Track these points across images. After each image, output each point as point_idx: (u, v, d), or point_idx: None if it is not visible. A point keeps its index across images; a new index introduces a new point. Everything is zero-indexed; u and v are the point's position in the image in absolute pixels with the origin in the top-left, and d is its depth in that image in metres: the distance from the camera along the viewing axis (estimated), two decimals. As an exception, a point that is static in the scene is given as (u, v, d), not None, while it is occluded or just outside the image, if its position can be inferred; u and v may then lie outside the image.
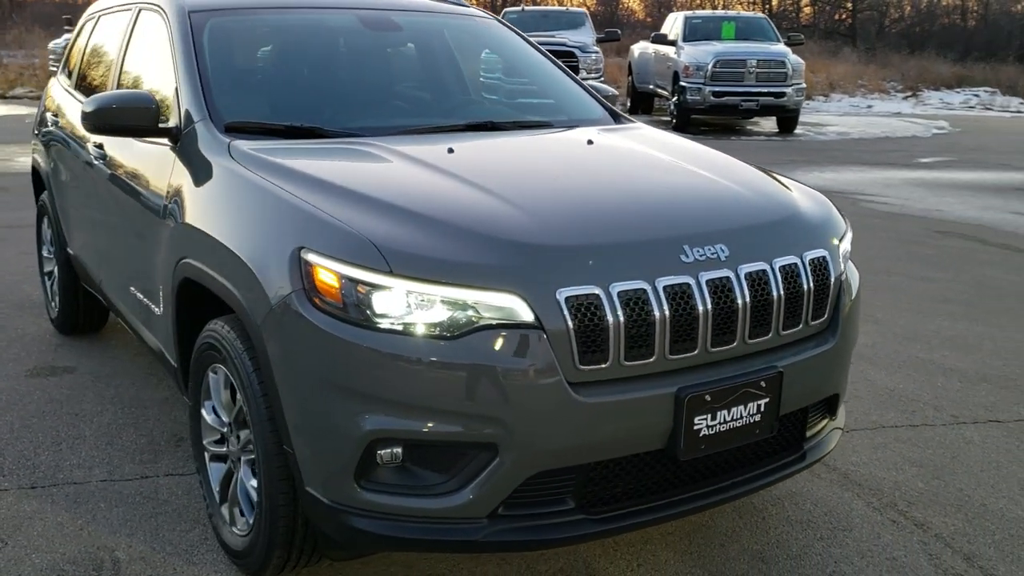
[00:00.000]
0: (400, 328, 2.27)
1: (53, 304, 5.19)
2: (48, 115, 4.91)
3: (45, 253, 5.33)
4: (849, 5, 46.64)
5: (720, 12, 25.13)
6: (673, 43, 17.62)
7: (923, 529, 3.24)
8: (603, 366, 2.32)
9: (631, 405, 2.35)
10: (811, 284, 2.67)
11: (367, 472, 2.36)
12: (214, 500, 3.04)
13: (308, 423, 2.41)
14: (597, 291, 2.31)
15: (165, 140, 3.29)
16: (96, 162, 3.89)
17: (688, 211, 2.74)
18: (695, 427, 2.43)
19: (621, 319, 2.31)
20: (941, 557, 3.07)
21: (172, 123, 3.26)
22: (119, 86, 4.01)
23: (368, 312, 2.28)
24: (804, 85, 16.98)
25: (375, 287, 2.28)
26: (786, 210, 2.84)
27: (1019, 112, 24.58)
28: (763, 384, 2.54)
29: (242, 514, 2.90)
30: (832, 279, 2.76)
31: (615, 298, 2.31)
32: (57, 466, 3.61)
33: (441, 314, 2.26)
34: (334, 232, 2.40)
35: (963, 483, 3.59)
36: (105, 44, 4.51)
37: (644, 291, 2.35)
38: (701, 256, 2.47)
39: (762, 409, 2.56)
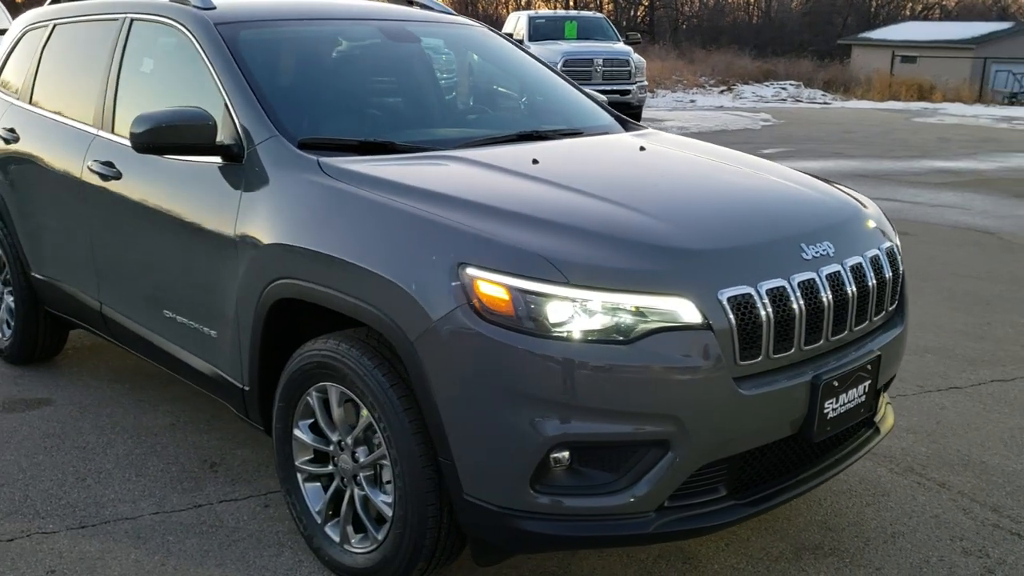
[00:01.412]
0: (577, 335, 2.36)
1: (0, 334, 4.85)
2: (2, 135, 4.57)
3: (-21, 281, 4.97)
4: (646, 2, 48.86)
5: (562, 12, 25.72)
6: (520, 43, 17.96)
7: (946, 488, 3.61)
8: (757, 360, 2.49)
9: (780, 395, 2.55)
10: (890, 273, 2.95)
11: (542, 476, 2.44)
12: (313, 521, 3.01)
13: (480, 433, 2.45)
14: (750, 290, 2.48)
15: (214, 158, 3.20)
16: (103, 183, 3.70)
17: (792, 212, 2.96)
18: (824, 411, 2.65)
19: (771, 315, 2.50)
20: (972, 511, 3.44)
21: (227, 140, 3.17)
22: (116, 102, 3.82)
23: (544, 321, 2.36)
24: (646, 82, 17.77)
25: (550, 297, 2.36)
26: (856, 208, 3.11)
27: (826, 103, 26.62)
28: (868, 367, 2.80)
29: (357, 531, 2.90)
30: (901, 268, 3.06)
31: (764, 296, 2.50)
32: (96, 503, 3.43)
33: (615, 320, 2.37)
34: (498, 247, 2.45)
35: (957, 444, 4.00)
36: (77, 57, 4.27)
37: (784, 288, 2.55)
38: (817, 253, 2.69)
39: (866, 390, 2.82)
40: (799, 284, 2.58)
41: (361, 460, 2.82)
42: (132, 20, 3.90)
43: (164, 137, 3.10)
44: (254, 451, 3.86)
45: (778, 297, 2.53)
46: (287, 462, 3.06)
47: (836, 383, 2.66)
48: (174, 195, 3.38)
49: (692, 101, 26.32)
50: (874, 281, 2.85)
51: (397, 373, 2.65)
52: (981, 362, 5.06)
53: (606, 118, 4.08)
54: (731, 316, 2.43)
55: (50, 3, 4.74)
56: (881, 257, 2.93)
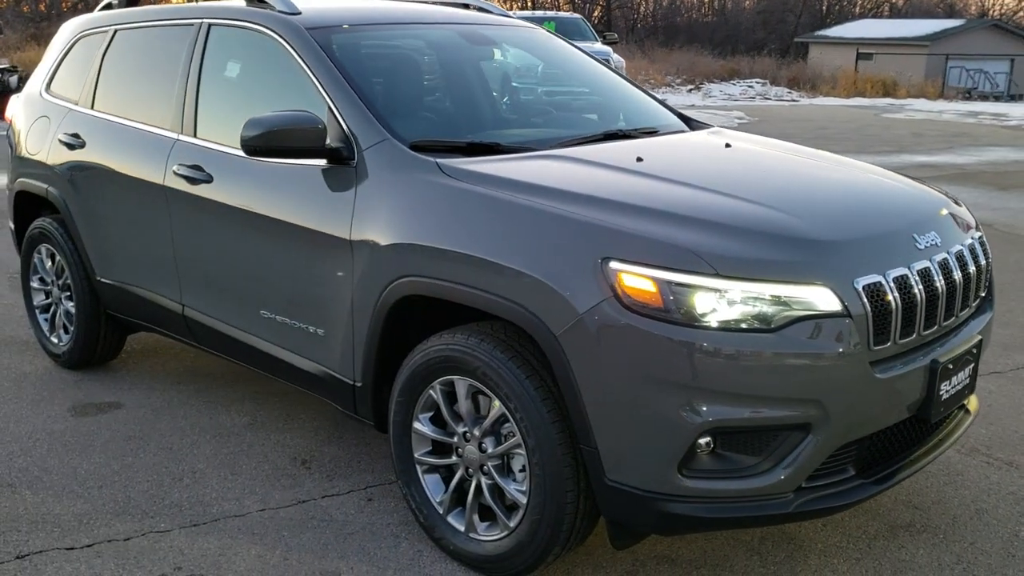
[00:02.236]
0: (725, 325, 2.48)
1: (56, 339, 4.85)
2: (55, 137, 4.57)
3: (36, 284, 4.97)
4: (603, 2, 49.24)
5: (540, 12, 25.85)
6: (500, 43, 18.07)
7: (1015, 468, 3.78)
8: (887, 345, 2.63)
9: (906, 378, 2.68)
10: (984, 260, 3.11)
11: (688, 460, 2.55)
12: (435, 511, 3.09)
13: (627, 420, 2.55)
14: (880, 278, 2.61)
15: (318, 161, 3.27)
16: (190, 187, 3.74)
17: (900, 204, 3.09)
18: (940, 393, 2.79)
19: (899, 302, 2.63)
20: (1045, 488, 3.62)
21: (335, 143, 3.24)
22: (197, 107, 3.86)
23: (692, 312, 2.47)
24: (626, 81, 17.96)
25: (699, 288, 2.47)
26: (947, 200, 3.26)
27: (795, 101, 27.07)
28: (973, 350, 2.95)
29: (483, 520, 2.99)
30: (990, 256, 3.22)
31: (891, 283, 2.63)
32: (200, 501, 3.48)
33: (760, 309, 2.49)
34: (644, 242, 2.55)
35: (1012, 426, 4.18)
36: (146, 62, 4.30)
37: (907, 276, 2.68)
38: (928, 242, 2.83)
39: (970, 372, 2.97)
40: (917, 272, 2.72)
41: (489, 450, 2.90)
42: (210, 25, 3.94)
43: (276, 140, 3.16)
44: (341, 448, 3.92)
45: (902, 284, 2.66)
46: (405, 455, 3.14)
47: (950, 366, 2.81)
48: (275, 197, 3.43)
49: (663, 100, 26.58)
50: (973, 268, 3.00)
51: (531, 365, 2.74)
52: (1014, 347, 5.27)
53: (672, 116, 4.20)
54: (866, 303, 2.56)
55: (102, 8, 4.76)
56: (976, 246, 3.08)
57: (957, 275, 2.88)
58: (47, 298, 4.92)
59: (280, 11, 3.69)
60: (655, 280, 2.49)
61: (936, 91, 32.23)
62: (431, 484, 3.12)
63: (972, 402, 3.34)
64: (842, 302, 2.53)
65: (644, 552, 3.13)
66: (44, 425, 4.15)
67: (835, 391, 2.54)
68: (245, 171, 3.56)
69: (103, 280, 4.46)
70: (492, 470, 2.92)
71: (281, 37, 3.58)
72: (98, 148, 4.34)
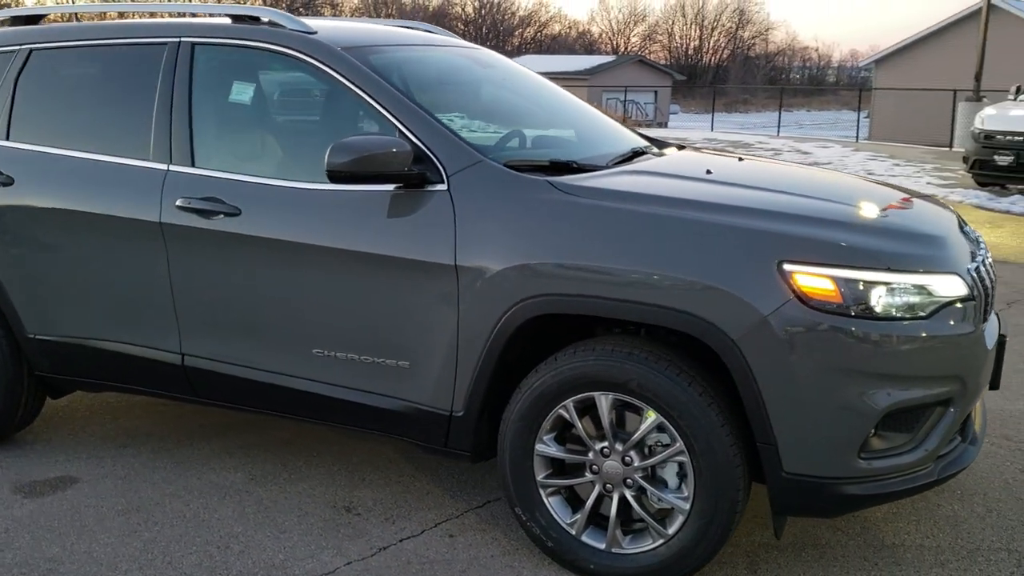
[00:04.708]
0: (894, 314, 2.73)
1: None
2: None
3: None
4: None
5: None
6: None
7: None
8: (982, 325, 3.02)
9: (992, 352, 3.09)
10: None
11: (865, 444, 2.77)
12: (566, 534, 3.06)
13: (809, 412, 2.72)
14: (974, 267, 3.01)
15: (386, 186, 3.13)
16: (205, 222, 3.38)
17: (928, 209, 3.48)
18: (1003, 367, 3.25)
19: (981, 286, 3.03)
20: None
21: (416, 167, 3.10)
22: (192, 134, 3.49)
23: (868, 305, 2.70)
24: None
25: (874, 283, 2.70)
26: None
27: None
28: (1003, 343, 3.41)
29: (626, 534, 3.01)
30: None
31: (974, 272, 3.02)
32: (273, 565, 3.15)
33: (917, 298, 2.77)
34: (819, 244, 2.74)
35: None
36: (93, 87, 3.81)
37: (978, 267, 3.09)
38: (971, 245, 3.26)
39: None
40: (974, 269, 3.12)
41: (636, 462, 2.94)
42: (193, 45, 3.59)
43: (368, 166, 3.00)
44: (373, 490, 3.71)
45: (978, 273, 3.06)
46: (526, 480, 3.07)
47: (1003, 346, 3.27)
48: (339, 227, 3.20)
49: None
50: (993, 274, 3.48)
51: (687, 373, 2.83)
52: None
53: (638, 138, 4.41)
54: (978, 287, 2.94)
55: (8, 24, 4.14)
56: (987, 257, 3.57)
57: (990, 276, 3.32)
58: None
59: (299, 31, 3.46)
60: (834, 278, 2.69)
61: (618, 118, 35.21)
62: (557, 506, 3.09)
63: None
64: (968, 287, 2.88)
65: (749, 542, 3.30)
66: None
67: (970, 366, 2.89)
68: (290, 201, 3.30)
69: (37, 337, 3.86)
70: (640, 481, 2.95)
71: (311, 58, 3.36)
72: (36, 186, 3.76)
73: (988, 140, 12.70)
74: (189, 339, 3.56)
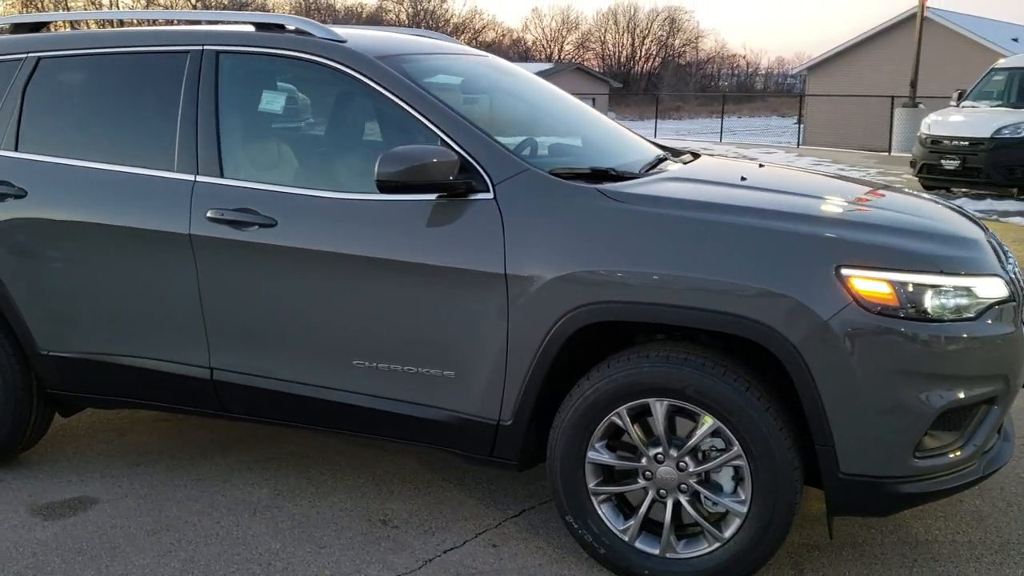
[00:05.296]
0: (947, 316, 2.80)
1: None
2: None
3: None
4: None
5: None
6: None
7: None
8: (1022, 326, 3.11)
9: None
10: None
11: (920, 443, 2.84)
12: (619, 541, 3.06)
13: (867, 414, 2.77)
14: (1009, 270, 3.11)
15: (427, 196, 3.12)
16: (238, 233, 3.32)
17: (958, 216, 3.56)
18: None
19: (1019, 292, 3.12)
20: None
21: (461, 176, 3.09)
22: (220, 144, 3.42)
23: (923, 307, 2.76)
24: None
25: (927, 286, 2.77)
26: None
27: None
28: None
29: (679, 539, 3.03)
30: None
31: (1011, 275, 3.12)
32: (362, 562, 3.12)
33: (966, 300, 2.84)
34: (875, 249, 2.80)
35: None
36: (109, 96, 3.70)
37: (1011, 271, 3.19)
38: (999, 249, 3.36)
39: None
40: (1012, 271, 3.23)
41: (690, 468, 2.96)
42: (218, 53, 3.52)
43: (419, 176, 2.98)
44: (406, 502, 3.67)
45: (1013, 275, 3.16)
46: (578, 488, 3.08)
47: None
48: (381, 237, 3.17)
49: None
50: None
51: (744, 378, 2.87)
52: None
53: (652, 145, 4.43)
54: (1017, 288, 3.03)
55: (8, 31, 4.02)
56: None
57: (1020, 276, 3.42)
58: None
59: (326, 39, 3.42)
60: (890, 282, 2.75)
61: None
62: (608, 514, 3.10)
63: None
64: (1009, 288, 2.97)
65: (790, 542, 3.35)
66: (18, 537, 3.40)
67: (1013, 365, 2.98)
68: (329, 212, 3.25)
69: (51, 354, 3.74)
70: (695, 486, 2.98)
71: (345, 66, 3.33)
72: (52, 198, 3.65)
73: (935, 145, 13.10)
74: (219, 352, 3.49)
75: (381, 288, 3.20)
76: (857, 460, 2.82)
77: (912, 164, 13.84)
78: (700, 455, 2.98)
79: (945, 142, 12.99)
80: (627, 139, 4.18)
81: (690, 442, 2.95)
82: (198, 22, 3.90)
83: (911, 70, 20.81)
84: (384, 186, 3.00)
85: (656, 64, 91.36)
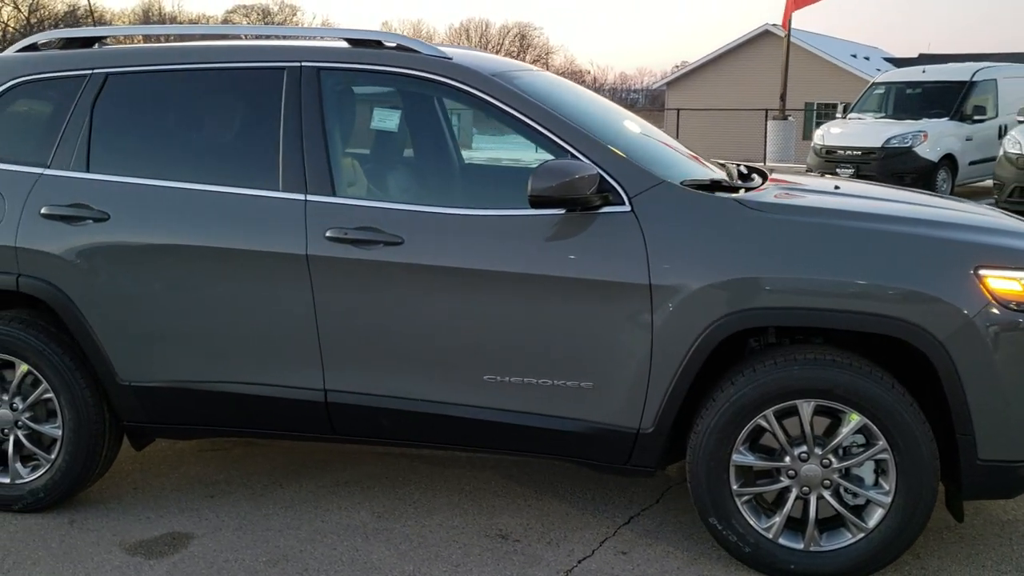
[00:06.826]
0: (1066, 307, 3.07)
1: (9, 477, 3.69)
2: (30, 212, 3.54)
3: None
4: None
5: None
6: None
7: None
8: None
9: None
10: None
11: None
12: (763, 538, 3.18)
13: (1010, 402, 2.99)
14: None
15: (558, 210, 3.17)
16: (361, 252, 3.26)
17: None
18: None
19: None
20: None
21: (598, 191, 3.16)
22: (330, 163, 3.34)
23: (1048, 301, 3.03)
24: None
25: None
26: None
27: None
28: None
29: (821, 532, 3.17)
30: None
31: None
32: (472, 599, 3.10)
33: (1077, 292, 3.13)
34: (1005, 250, 3.04)
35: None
36: (196, 114, 3.58)
37: None
38: None
39: None
40: None
41: (835, 464, 3.11)
42: (319, 70, 3.45)
43: (571, 190, 3.04)
44: (513, 515, 3.68)
45: None
46: (722, 491, 3.18)
47: None
48: (511, 251, 3.19)
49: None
50: None
51: (882, 378, 3.05)
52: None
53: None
54: None
55: (61, 47, 3.80)
56: None
57: None
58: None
59: (433, 56, 3.42)
60: (1022, 280, 2.99)
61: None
62: (750, 513, 3.21)
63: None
64: None
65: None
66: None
67: None
68: (456, 228, 3.25)
69: (133, 384, 3.56)
70: (838, 481, 3.13)
71: (460, 83, 3.34)
72: (138, 221, 3.47)
73: (829, 155, 13.90)
74: (334, 373, 3.41)
75: (513, 302, 3.22)
76: (995, 447, 3.04)
77: (808, 172, 14.61)
78: (841, 451, 3.13)
79: (839, 151, 13.80)
80: (688, 156, 4.32)
81: (836, 439, 3.10)
82: (277, 37, 3.80)
83: (780, 84, 21.88)
84: (537, 201, 3.03)
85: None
